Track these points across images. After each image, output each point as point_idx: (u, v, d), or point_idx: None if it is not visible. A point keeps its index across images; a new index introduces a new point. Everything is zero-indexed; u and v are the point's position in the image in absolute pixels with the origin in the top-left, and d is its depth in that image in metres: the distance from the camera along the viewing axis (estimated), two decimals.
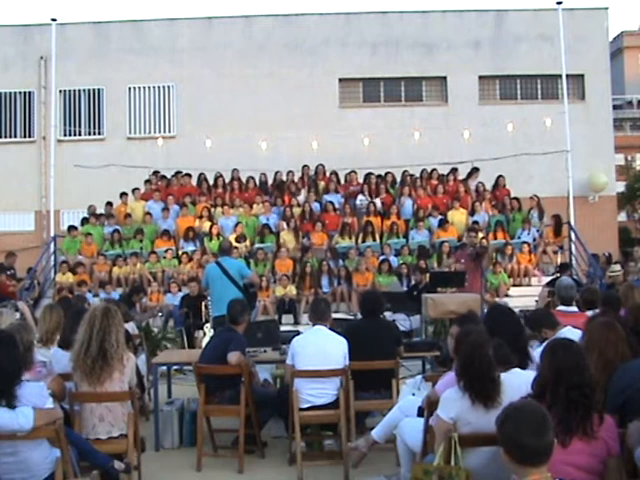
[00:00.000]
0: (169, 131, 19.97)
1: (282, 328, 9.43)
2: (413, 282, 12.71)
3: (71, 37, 19.17)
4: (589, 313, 5.70)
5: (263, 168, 16.32)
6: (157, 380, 6.59)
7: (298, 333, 6.73)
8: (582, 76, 19.89)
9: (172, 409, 6.58)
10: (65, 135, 19.92)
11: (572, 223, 15.58)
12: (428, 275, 11.98)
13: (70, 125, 20.08)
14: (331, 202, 14.89)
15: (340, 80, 20.02)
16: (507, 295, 13.20)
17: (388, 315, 10.15)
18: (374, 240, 14.22)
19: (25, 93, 20.12)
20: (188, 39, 19.82)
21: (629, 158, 31.93)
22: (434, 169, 16.02)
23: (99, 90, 20.03)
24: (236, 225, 14.27)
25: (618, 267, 11.29)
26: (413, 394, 5.44)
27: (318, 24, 19.99)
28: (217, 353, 5.92)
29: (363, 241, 14.24)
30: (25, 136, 20.20)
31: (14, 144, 20.10)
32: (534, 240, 14.43)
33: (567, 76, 16.89)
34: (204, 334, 9.56)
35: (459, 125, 18.24)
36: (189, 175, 16.03)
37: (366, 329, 6.17)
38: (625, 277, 11.43)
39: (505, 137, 17.97)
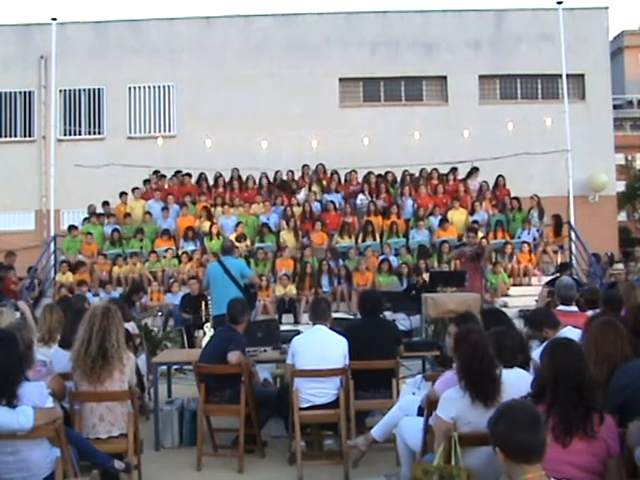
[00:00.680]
0: (169, 131, 19.97)
1: (282, 327, 9.43)
2: (412, 282, 12.71)
3: (71, 37, 19.16)
4: (590, 313, 5.69)
5: (263, 168, 16.31)
6: (157, 379, 6.59)
7: (298, 332, 6.73)
8: (582, 76, 19.89)
9: (172, 408, 6.59)
10: (65, 135, 19.91)
11: (572, 223, 15.57)
12: (428, 275, 11.99)
13: (70, 125, 20.08)
14: (331, 202, 14.90)
15: (340, 80, 20.02)
16: (507, 295, 13.21)
17: (388, 315, 10.17)
18: (374, 240, 14.22)
19: (25, 93, 20.12)
20: (188, 39, 19.82)
21: (629, 158, 31.90)
22: (434, 169, 16.01)
23: (99, 90, 20.03)
24: (237, 225, 14.27)
25: (621, 266, 11.29)
26: (413, 393, 5.44)
27: (318, 23, 19.98)
28: (217, 352, 5.92)
29: (363, 241, 14.24)
30: (25, 136, 20.20)
31: (14, 144, 20.10)
32: (534, 240, 14.43)
33: (567, 76, 16.88)
34: (204, 333, 9.57)
35: (459, 125, 18.24)
36: (189, 175, 16.03)
37: (365, 329, 6.17)
38: (627, 276, 11.44)
39: (505, 137, 17.96)
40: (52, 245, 15.85)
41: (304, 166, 16.06)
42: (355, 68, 19.79)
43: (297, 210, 14.80)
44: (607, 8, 20.35)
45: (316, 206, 15.08)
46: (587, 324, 4.29)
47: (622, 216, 28.29)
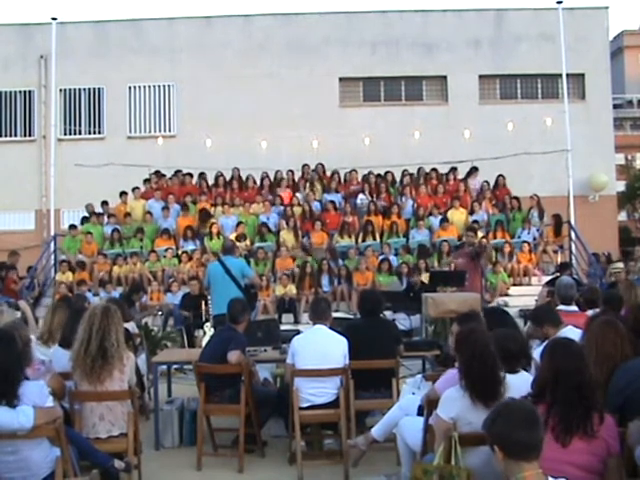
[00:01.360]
0: (169, 130, 19.98)
1: (282, 327, 9.42)
2: (411, 282, 12.70)
3: (71, 36, 19.16)
4: (590, 312, 5.69)
5: (263, 167, 16.31)
6: (157, 379, 6.59)
7: (298, 332, 6.73)
8: (582, 75, 19.89)
9: (172, 408, 6.59)
10: (65, 134, 19.92)
11: (572, 222, 15.57)
12: (428, 274, 11.99)
13: (70, 124, 20.08)
14: (332, 201, 14.90)
15: (340, 79, 20.02)
16: (507, 294, 13.21)
17: (388, 314, 10.18)
18: (374, 239, 14.22)
19: (25, 92, 20.13)
20: (188, 38, 19.82)
21: (629, 157, 31.90)
22: (433, 168, 16.02)
23: (99, 89, 20.04)
24: (237, 224, 14.27)
25: (620, 264, 11.29)
26: (413, 393, 5.44)
27: (318, 23, 19.99)
28: (217, 352, 5.91)
29: (363, 240, 14.24)
30: (25, 135, 20.20)
31: (14, 143, 20.11)
32: (534, 239, 14.43)
33: (567, 75, 16.88)
34: (204, 333, 9.56)
35: (459, 124, 18.24)
36: (189, 174, 16.03)
37: (365, 328, 6.16)
38: (627, 276, 11.44)
39: (505, 136, 17.96)
40: (52, 245, 15.85)
41: (304, 166, 16.07)
42: (355, 68, 19.79)
43: (297, 210, 14.80)
44: (607, 8, 20.36)
45: (316, 206, 15.08)
46: (587, 324, 4.29)
47: (622, 216, 28.28)
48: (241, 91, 19.17)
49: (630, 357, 3.88)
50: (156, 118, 20.18)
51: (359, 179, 15.76)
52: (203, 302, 9.77)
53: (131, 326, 7.79)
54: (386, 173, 15.88)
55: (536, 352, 4.37)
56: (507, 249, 13.95)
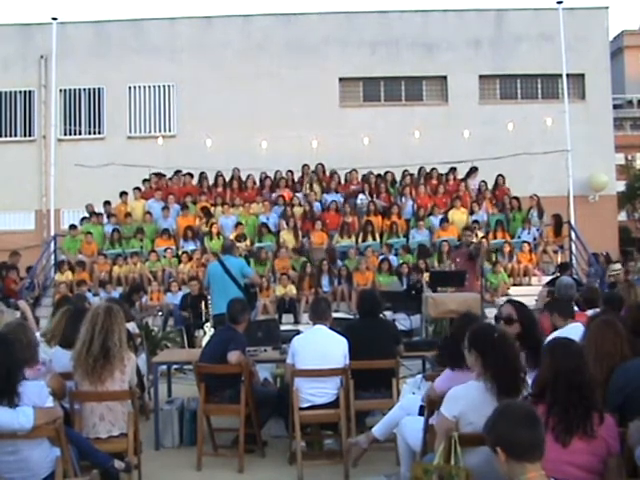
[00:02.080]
0: (169, 130, 19.99)
1: (282, 327, 9.41)
2: (411, 283, 12.71)
3: (71, 36, 19.16)
4: (590, 312, 5.70)
5: (263, 167, 16.32)
6: (157, 379, 6.59)
7: (298, 332, 6.73)
8: (582, 75, 19.90)
9: (172, 408, 6.59)
10: (65, 134, 19.93)
11: (572, 222, 15.58)
12: (428, 274, 12.00)
13: (70, 124, 20.09)
14: (333, 201, 14.90)
15: (340, 79, 20.03)
16: (507, 294, 13.19)
17: (388, 314, 10.18)
18: (374, 239, 14.23)
19: (25, 92, 20.14)
20: (188, 38, 19.83)
21: (629, 157, 31.88)
22: (433, 168, 16.02)
23: (99, 89, 20.05)
24: (237, 225, 14.27)
25: (618, 266, 11.30)
26: (413, 393, 5.44)
27: (318, 23, 19.99)
28: (217, 352, 5.91)
29: (363, 240, 14.24)
30: (25, 135, 20.21)
31: (14, 143, 20.12)
32: (534, 239, 14.44)
33: (567, 75, 16.89)
34: (204, 333, 9.56)
35: (459, 124, 18.24)
36: (190, 174, 16.03)
37: (364, 329, 6.16)
38: (626, 276, 11.45)
39: (505, 136, 17.97)
40: (52, 245, 15.86)
41: (304, 166, 16.08)
42: (355, 68, 19.79)
43: (297, 210, 14.80)
44: (607, 8, 20.37)
45: (316, 206, 15.08)
46: (588, 323, 4.30)
47: (622, 216, 28.27)
48: (241, 91, 19.18)
49: (629, 357, 3.89)
50: (156, 118, 20.19)
51: (359, 179, 15.75)
52: (203, 302, 9.77)
53: (132, 326, 7.79)
54: (386, 173, 15.88)
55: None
56: (507, 249, 13.95)
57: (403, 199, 15.16)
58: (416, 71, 20.00)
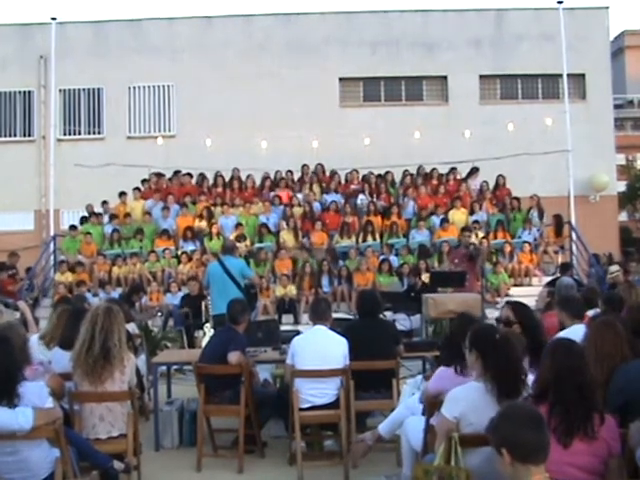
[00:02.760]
0: (169, 130, 19.99)
1: (282, 328, 9.41)
2: (411, 283, 12.71)
3: (71, 36, 19.17)
4: (590, 313, 5.70)
5: (263, 168, 16.32)
6: (157, 380, 6.59)
7: (298, 333, 6.73)
8: (583, 75, 19.90)
9: (172, 409, 6.59)
10: (65, 134, 19.94)
11: (573, 223, 15.58)
12: (428, 275, 12.00)
13: (70, 124, 20.10)
14: (333, 201, 14.90)
15: (340, 79, 20.03)
16: (508, 295, 13.20)
17: (389, 315, 10.17)
18: (374, 240, 14.23)
19: (25, 92, 20.14)
20: (188, 38, 19.83)
21: (630, 158, 31.85)
22: (434, 168, 16.03)
23: (99, 89, 20.05)
24: (236, 225, 14.27)
25: (616, 267, 11.28)
26: (413, 394, 5.44)
27: (318, 23, 19.99)
28: (217, 353, 5.92)
29: (364, 241, 14.24)
30: (25, 135, 20.21)
31: (14, 143, 20.12)
32: (535, 240, 14.44)
33: (568, 75, 16.88)
34: (204, 334, 9.56)
35: (460, 125, 18.25)
36: (189, 174, 16.03)
37: (364, 329, 6.16)
38: (626, 277, 11.44)
39: (506, 137, 17.97)
40: (51, 245, 15.86)
41: (304, 166, 16.08)
42: (355, 68, 19.79)
43: (297, 210, 14.80)
44: (608, 8, 20.37)
45: (316, 206, 15.08)
46: (588, 324, 4.30)
47: (623, 216, 28.28)
48: (241, 91, 19.17)
49: (630, 358, 3.89)
50: (156, 118, 20.19)
51: (359, 179, 15.76)
52: (203, 303, 9.77)
53: (131, 327, 7.79)
54: (386, 173, 15.89)
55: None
56: (508, 249, 13.95)
57: (404, 199, 15.16)
58: (416, 71, 20.00)
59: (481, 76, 20.13)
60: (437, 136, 18.19)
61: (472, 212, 14.73)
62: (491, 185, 15.77)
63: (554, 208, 15.24)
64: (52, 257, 15.70)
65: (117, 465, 4.65)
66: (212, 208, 14.94)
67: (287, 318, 12.68)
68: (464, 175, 16.12)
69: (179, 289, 13.16)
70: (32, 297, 13.23)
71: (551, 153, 16.88)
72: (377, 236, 14.34)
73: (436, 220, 14.55)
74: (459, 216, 14.58)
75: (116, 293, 12.83)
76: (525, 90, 20.39)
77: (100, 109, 20.08)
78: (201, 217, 14.70)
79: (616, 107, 25.47)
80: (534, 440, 2.71)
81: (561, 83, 17.47)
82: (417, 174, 15.91)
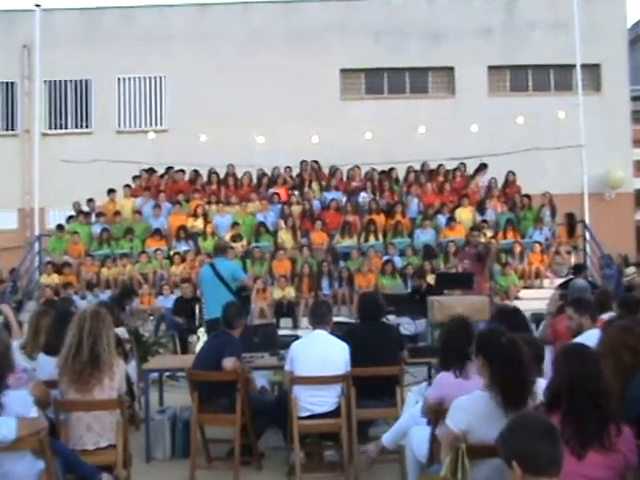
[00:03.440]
0: (161, 124, 19.99)
1: (280, 332, 9.46)
2: (416, 285, 12.72)
3: (56, 24, 19.16)
4: (604, 316, 5.70)
5: (260, 164, 16.34)
6: (148, 387, 6.60)
7: (297, 337, 6.75)
8: (598, 66, 19.89)
9: (164, 418, 6.58)
10: (50, 128, 19.93)
11: (587, 222, 15.59)
12: (434, 276, 12.01)
13: (55, 118, 20.10)
14: (334, 199, 14.90)
15: (341, 71, 20.04)
16: (517, 298, 13.20)
17: (392, 318, 10.19)
18: (377, 240, 14.23)
19: (7, 84, 20.13)
20: (181, 27, 19.82)
21: None
22: (440, 165, 16.04)
23: (86, 81, 20.04)
24: (232, 224, 14.28)
25: (633, 269, 11.30)
26: (418, 402, 5.44)
27: (319, 11, 19.99)
28: (212, 359, 5.92)
29: (365, 241, 14.25)
30: (7, 129, 20.21)
31: None
32: (546, 240, 14.44)
33: (582, 66, 16.91)
34: (198, 338, 9.57)
35: (467, 118, 18.24)
36: (182, 171, 16.04)
37: (366, 333, 6.16)
38: None
39: (516, 131, 17.97)
40: (36, 245, 15.87)
41: (303, 162, 16.10)
42: (357, 59, 19.79)
43: (296, 209, 14.81)
44: None
45: (316, 204, 15.09)
46: (604, 328, 4.29)
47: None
48: (237, 83, 19.18)
49: None
50: (147, 112, 20.19)
51: (361, 176, 15.78)
52: (197, 306, 9.78)
53: (121, 331, 7.79)
54: (390, 170, 15.90)
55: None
56: (517, 250, 13.97)
57: (408, 197, 15.17)
58: (421, 62, 20.00)
59: (490, 67, 20.13)
60: (443, 130, 18.18)
61: (480, 210, 14.74)
62: (500, 182, 15.78)
63: (567, 206, 15.24)
64: (37, 258, 15.72)
65: (106, 478, 4.64)
66: (206, 206, 14.96)
67: (285, 322, 12.71)
68: (472, 171, 16.13)
69: (172, 292, 13.17)
70: (16, 300, 13.24)
71: (564, 148, 16.90)
72: (380, 236, 14.35)
73: (442, 219, 14.57)
74: (466, 215, 14.59)
75: (105, 295, 12.84)
76: (536, 81, 20.38)
77: (88, 101, 20.08)
78: (195, 216, 14.72)
79: (633, 99, 25.38)
80: (547, 452, 2.69)
81: (575, 74, 17.49)
82: (422, 170, 15.91)
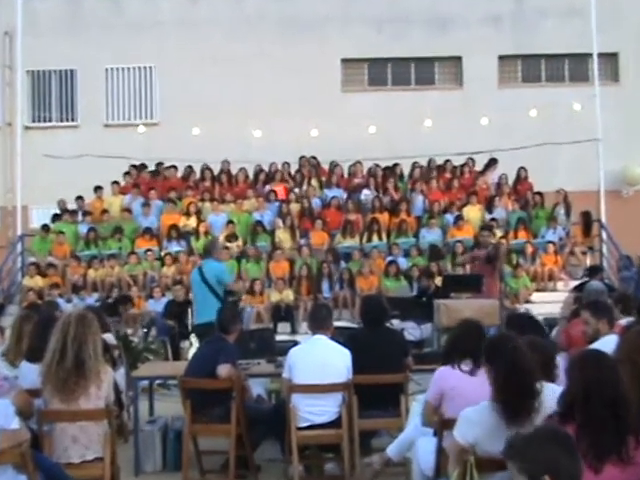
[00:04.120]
0: (151, 117, 19.98)
1: (278, 337, 9.47)
2: (421, 287, 12.73)
3: (40, 11, 19.16)
4: (622, 321, 5.70)
5: (256, 159, 16.34)
6: (137, 396, 6.62)
7: (296, 343, 6.73)
8: (616, 55, 19.87)
9: (154, 429, 6.58)
10: (33, 121, 19.92)
11: (603, 220, 15.58)
12: (441, 278, 12.01)
13: (39, 110, 20.08)
14: (335, 197, 14.90)
15: (343, 61, 20.03)
16: (529, 301, 13.21)
17: (396, 323, 10.18)
18: (380, 239, 14.25)
19: None
20: (172, 14, 19.79)
21: None
22: (447, 160, 16.04)
23: (72, 71, 20.03)
24: (227, 223, 14.29)
25: None
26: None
27: None
28: (205, 365, 5.92)
29: (368, 241, 14.27)
30: None
31: None
32: (560, 240, 14.45)
33: (599, 55, 16.87)
34: (190, 344, 9.59)
35: (476, 111, 18.23)
36: (174, 167, 16.04)
37: (367, 339, 6.17)
38: None
39: (528, 124, 17.95)
40: (19, 246, 15.85)
41: (301, 158, 16.08)
42: (359, 48, 19.77)
43: (294, 207, 14.81)
44: None
45: (316, 202, 15.09)
46: (622, 334, 4.29)
47: None
48: (232, 74, 19.16)
49: None
50: (136, 104, 20.18)
51: (363, 172, 15.79)
52: (189, 309, 9.80)
53: (109, 337, 7.80)
54: (394, 166, 15.92)
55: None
56: (529, 250, 13.98)
57: (413, 194, 15.17)
58: (427, 51, 19.97)
59: (500, 56, 20.11)
60: (450, 124, 18.17)
61: (489, 209, 14.74)
62: (511, 178, 15.79)
63: (582, 204, 15.24)
64: (19, 259, 15.70)
65: None
66: (200, 204, 14.97)
67: (283, 327, 12.75)
68: (480, 167, 16.13)
69: (163, 294, 13.19)
70: None
71: (579, 142, 16.86)
72: (383, 235, 14.37)
73: (449, 217, 14.59)
74: (475, 213, 14.60)
75: (92, 299, 12.85)
76: (550, 72, 20.36)
77: (73, 93, 20.06)
78: (187, 214, 14.73)
79: None
80: (570, 467, 2.70)
81: (591, 63, 17.46)
82: (428, 167, 15.91)
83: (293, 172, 16.07)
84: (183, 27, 19.62)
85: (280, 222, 14.51)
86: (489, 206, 14.80)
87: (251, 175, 16.03)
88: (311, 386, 5.66)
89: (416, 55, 20.11)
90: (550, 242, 14.12)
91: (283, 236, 14.34)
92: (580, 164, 17.76)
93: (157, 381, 8.18)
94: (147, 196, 15.28)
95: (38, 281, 13.78)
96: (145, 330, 12.36)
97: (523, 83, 20.34)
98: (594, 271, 12.58)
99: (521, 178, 15.82)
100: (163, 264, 13.98)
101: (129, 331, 11.70)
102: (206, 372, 5.87)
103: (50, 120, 20.14)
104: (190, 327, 9.86)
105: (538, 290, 13.61)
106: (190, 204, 14.78)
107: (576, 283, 12.16)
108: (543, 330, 5.28)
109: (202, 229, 14.27)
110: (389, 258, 13.76)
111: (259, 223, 14.45)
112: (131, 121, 19.78)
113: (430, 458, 4.44)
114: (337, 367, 5.71)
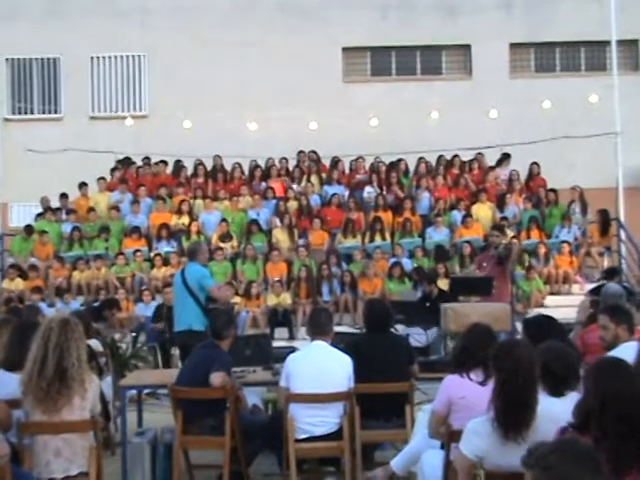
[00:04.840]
0: (140, 109, 19.99)
1: (275, 344, 9.47)
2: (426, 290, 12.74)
3: None
4: None
5: (252, 154, 16.36)
6: (125, 406, 6.59)
7: (294, 350, 6.73)
8: (636, 42, 19.89)
9: (143, 441, 6.56)
10: (14, 113, 19.94)
11: (622, 219, 15.58)
12: (448, 281, 12.01)
13: (20, 101, 20.09)
14: (335, 194, 14.91)
15: (344, 49, 20.04)
16: (543, 305, 13.21)
17: (401, 328, 10.18)
18: (383, 239, 14.26)
19: None
20: None
21: None
22: (455, 155, 16.04)
23: (55, 59, 20.04)
24: (221, 222, 14.29)
25: None
26: None
27: None
28: (197, 374, 5.92)
29: (371, 241, 14.29)
30: None
31: None
32: (576, 240, 14.46)
33: (618, 42, 16.86)
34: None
35: (486, 103, 18.24)
36: (164, 162, 16.04)
37: (370, 345, 6.18)
38: None
39: (541, 117, 17.98)
40: None
41: (299, 152, 16.08)
42: (362, 35, 19.79)
43: (292, 205, 14.82)
44: None
45: (315, 200, 15.10)
46: None
47: None
48: (226, 63, 19.18)
49: None
50: (124, 95, 20.19)
51: (366, 168, 15.80)
52: None
53: (95, 344, 7.79)
54: (398, 161, 15.92)
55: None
56: (543, 251, 13.97)
57: (418, 191, 15.18)
58: (434, 39, 19.99)
59: (512, 44, 20.13)
60: (459, 117, 18.20)
61: (500, 207, 14.74)
62: (523, 175, 15.80)
63: (599, 202, 15.23)
64: None
65: None
66: (192, 202, 14.98)
67: (281, 332, 12.75)
68: (490, 163, 16.13)
69: (152, 298, 13.18)
70: None
71: (596, 136, 16.86)
72: (387, 235, 14.39)
73: (457, 216, 14.59)
74: (484, 211, 14.61)
75: (76, 303, 12.85)
76: (565, 61, 20.37)
77: (57, 83, 20.07)
78: (179, 213, 14.76)
79: None
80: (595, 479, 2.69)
81: (609, 52, 17.47)
82: (437, 163, 15.91)
83: (291, 168, 16.07)
84: (174, 13, 19.62)
85: (277, 221, 14.52)
86: (500, 204, 14.79)
87: (246, 171, 16.03)
88: (310, 395, 5.66)
89: (422, 43, 20.12)
90: (565, 242, 14.12)
91: (280, 236, 14.34)
92: (597, 159, 17.76)
93: (146, 390, 8.19)
94: (136, 193, 15.28)
95: (19, 284, 13.76)
96: (134, 335, 12.37)
97: (536, 73, 20.36)
98: (612, 273, 12.58)
99: (534, 174, 15.82)
100: (153, 265, 13.99)
101: (116, 337, 11.68)
102: (198, 381, 5.86)
103: (32, 112, 20.15)
104: None
105: (552, 293, 13.61)
106: (182, 202, 14.78)
107: (593, 286, 12.15)
108: (565, 333, 5.27)
109: (194, 228, 14.28)
110: (393, 259, 13.77)
111: (255, 222, 14.46)
112: (118, 113, 19.79)
113: (437, 472, 4.45)
114: (338, 375, 5.71)
